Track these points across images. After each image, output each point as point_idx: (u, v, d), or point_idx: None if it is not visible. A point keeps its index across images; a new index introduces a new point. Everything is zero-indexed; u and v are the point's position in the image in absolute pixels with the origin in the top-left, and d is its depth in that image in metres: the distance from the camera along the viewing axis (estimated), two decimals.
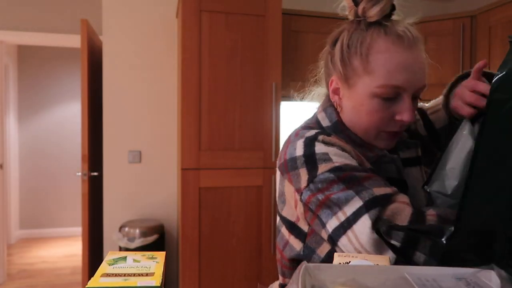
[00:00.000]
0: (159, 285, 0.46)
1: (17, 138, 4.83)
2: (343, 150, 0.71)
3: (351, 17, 0.76)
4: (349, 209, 0.63)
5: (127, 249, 2.45)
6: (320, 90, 0.87)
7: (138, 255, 0.55)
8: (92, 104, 2.75)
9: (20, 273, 3.66)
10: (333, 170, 0.67)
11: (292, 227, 0.76)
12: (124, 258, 0.53)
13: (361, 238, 0.62)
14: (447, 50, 2.80)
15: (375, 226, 0.60)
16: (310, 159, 0.69)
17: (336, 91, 0.78)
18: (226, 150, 2.30)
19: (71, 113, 5.03)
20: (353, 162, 0.69)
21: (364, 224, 0.62)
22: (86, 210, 2.60)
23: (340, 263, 0.55)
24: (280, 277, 0.85)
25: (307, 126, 0.79)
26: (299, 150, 0.71)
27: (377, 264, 0.54)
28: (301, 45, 2.66)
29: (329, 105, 0.80)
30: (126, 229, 2.51)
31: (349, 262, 0.54)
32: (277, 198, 0.81)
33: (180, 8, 2.32)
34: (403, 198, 0.65)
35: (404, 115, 0.70)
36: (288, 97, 2.66)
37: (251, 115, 2.33)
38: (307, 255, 0.74)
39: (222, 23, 2.29)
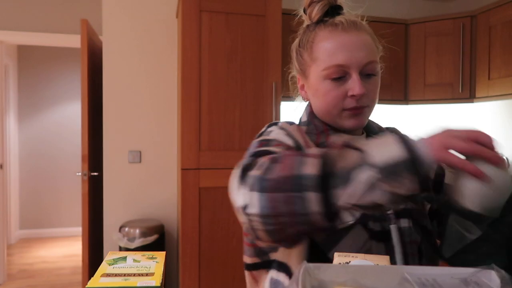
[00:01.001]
0: (159, 285, 0.46)
1: (17, 138, 4.83)
2: (289, 134, 0.80)
3: (304, 27, 0.87)
4: (246, 156, 0.73)
5: (127, 249, 2.45)
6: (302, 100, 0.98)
7: (138, 255, 0.55)
8: (92, 104, 2.75)
9: (20, 273, 3.66)
10: (261, 139, 0.78)
11: None
12: (124, 258, 0.53)
13: (231, 184, 0.66)
14: (447, 50, 2.80)
15: (242, 170, 0.64)
16: (259, 135, 0.82)
17: (302, 87, 0.89)
18: (226, 150, 2.30)
19: (71, 113, 5.03)
20: (290, 142, 0.77)
21: (235, 173, 0.66)
22: (86, 210, 2.60)
23: (340, 263, 0.55)
24: (249, 258, 0.88)
25: (291, 121, 0.90)
26: (260, 131, 0.85)
27: (377, 264, 0.54)
28: None
29: (308, 104, 0.91)
30: (126, 229, 2.51)
31: (349, 262, 0.54)
32: None
33: (180, 8, 2.32)
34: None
35: (355, 89, 0.77)
36: (288, 97, 2.66)
37: (251, 115, 2.33)
38: None
39: (222, 23, 2.29)
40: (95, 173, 2.74)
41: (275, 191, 0.57)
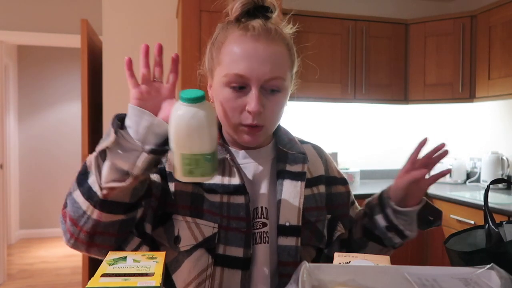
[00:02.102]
0: (159, 285, 0.46)
1: (17, 138, 4.83)
2: None
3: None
4: None
5: None
6: None
7: (138, 255, 0.55)
8: (92, 104, 2.75)
9: (20, 273, 3.66)
10: None
11: None
12: (124, 258, 0.53)
13: None
14: (447, 50, 2.80)
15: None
16: None
17: (210, 87, 0.83)
18: None
19: (71, 113, 5.03)
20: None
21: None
22: None
23: (340, 263, 0.55)
24: None
25: None
26: None
27: (377, 264, 0.54)
28: (301, 45, 2.66)
29: None
30: None
31: (349, 262, 0.54)
32: None
33: (180, 8, 2.32)
34: None
35: (251, 104, 0.71)
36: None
37: None
38: None
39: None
40: None
41: (66, 205, 0.83)
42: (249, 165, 0.81)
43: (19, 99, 4.86)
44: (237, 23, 0.75)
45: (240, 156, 0.81)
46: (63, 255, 4.20)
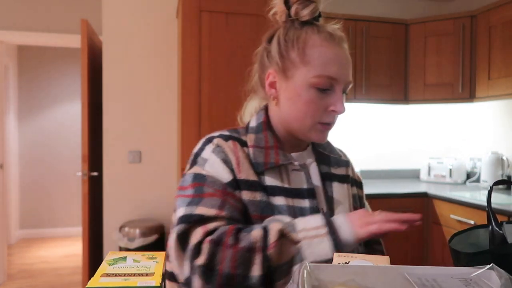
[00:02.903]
0: (159, 285, 0.46)
1: (17, 138, 4.83)
2: (224, 160, 0.77)
3: (283, 19, 0.82)
4: (176, 216, 0.74)
5: (127, 249, 2.45)
6: (253, 103, 0.93)
7: (138, 255, 0.55)
8: (92, 104, 2.75)
9: (20, 273, 3.66)
10: (195, 175, 0.77)
11: None
12: (124, 258, 0.53)
13: (170, 245, 0.73)
14: (447, 50, 2.80)
15: (178, 238, 0.70)
16: (194, 159, 0.80)
17: (272, 85, 0.82)
18: None
19: (71, 113, 5.03)
20: (223, 175, 0.76)
21: (171, 236, 0.73)
22: (86, 210, 2.60)
23: (339, 263, 0.55)
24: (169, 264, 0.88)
25: (232, 129, 0.86)
26: (196, 147, 0.83)
27: (377, 264, 0.54)
28: None
29: (261, 109, 0.87)
30: (126, 229, 2.50)
31: (349, 262, 0.54)
32: None
33: (180, 8, 2.32)
34: (212, 224, 0.70)
35: (337, 105, 0.77)
36: None
37: None
38: None
39: (222, 23, 2.29)
40: (95, 173, 2.74)
41: (221, 284, 0.66)
42: (307, 171, 0.85)
43: (19, 99, 4.85)
44: (312, 26, 0.79)
45: (296, 162, 0.83)
46: (63, 255, 4.20)
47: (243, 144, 0.81)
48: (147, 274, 0.48)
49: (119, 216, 2.75)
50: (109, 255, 0.54)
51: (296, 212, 0.77)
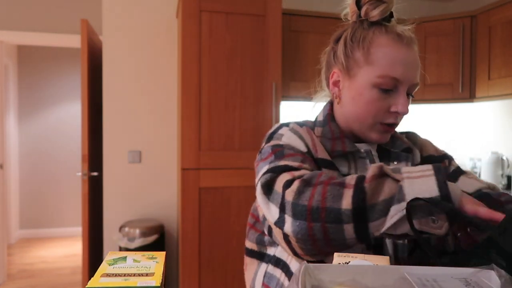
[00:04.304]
0: (159, 285, 0.46)
1: (17, 138, 4.83)
2: (301, 137, 0.78)
3: (354, 19, 0.82)
4: (260, 173, 0.74)
5: (127, 249, 2.45)
6: (322, 99, 0.94)
7: (138, 255, 0.55)
8: (92, 104, 2.75)
9: (20, 273, 3.66)
10: (274, 145, 0.77)
11: None
12: (124, 258, 0.53)
13: (257, 198, 0.72)
14: (447, 50, 2.80)
15: (264, 187, 0.69)
16: (270, 137, 0.81)
17: (336, 83, 0.83)
18: (226, 150, 2.30)
19: (71, 113, 5.03)
20: (300, 146, 0.77)
21: (257, 189, 0.72)
22: (86, 210, 2.60)
23: (339, 263, 0.55)
24: (249, 243, 0.88)
25: (304, 120, 0.87)
26: (271, 130, 0.83)
27: (377, 264, 0.54)
28: (301, 45, 2.66)
29: (327, 104, 0.88)
30: (126, 229, 2.51)
31: (349, 262, 0.54)
32: None
33: (180, 8, 2.32)
34: (299, 172, 0.69)
35: (399, 106, 0.75)
36: (288, 97, 2.66)
37: (251, 115, 2.33)
38: (263, 220, 0.80)
39: (222, 23, 2.29)
40: (95, 173, 2.74)
41: (311, 220, 0.61)
42: (372, 158, 0.85)
43: (19, 99, 4.86)
44: (379, 26, 0.78)
45: (362, 149, 0.84)
46: (63, 255, 4.20)
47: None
48: (147, 274, 0.48)
49: (119, 216, 2.75)
50: (109, 255, 0.54)
51: None
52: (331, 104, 0.86)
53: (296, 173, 0.68)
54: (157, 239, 2.52)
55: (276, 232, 0.67)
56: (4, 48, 3.53)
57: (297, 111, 3.05)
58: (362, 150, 0.82)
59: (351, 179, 0.62)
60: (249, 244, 0.87)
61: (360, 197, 0.59)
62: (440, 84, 2.83)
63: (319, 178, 0.64)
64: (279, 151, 0.75)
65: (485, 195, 0.83)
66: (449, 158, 0.92)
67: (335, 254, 0.58)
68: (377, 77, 0.75)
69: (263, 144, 0.82)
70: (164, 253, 0.57)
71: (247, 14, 2.32)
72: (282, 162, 0.71)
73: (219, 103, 2.29)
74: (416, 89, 0.79)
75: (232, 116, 2.31)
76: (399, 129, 0.96)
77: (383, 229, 0.58)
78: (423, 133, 3.32)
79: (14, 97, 4.72)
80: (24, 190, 4.87)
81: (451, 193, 0.57)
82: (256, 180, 0.75)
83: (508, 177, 2.72)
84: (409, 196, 0.57)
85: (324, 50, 0.89)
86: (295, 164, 0.71)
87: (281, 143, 0.77)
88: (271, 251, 0.81)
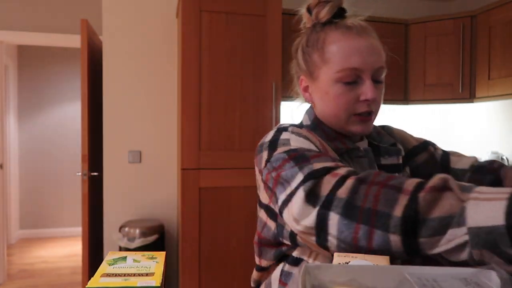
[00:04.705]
0: (159, 285, 0.46)
1: (17, 138, 4.83)
2: (307, 138, 0.75)
3: (309, 25, 0.84)
4: (293, 184, 0.65)
5: (127, 249, 2.45)
6: (301, 104, 0.95)
7: (138, 255, 0.55)
8: (92, 104, 2.75)
9: (20, 273, 3.66)
10: (287, 151, 0.71)
11: (267, 209, 0.80)
12: (124, 258, 0.53)
13: (294, 208, 0.63)
14: (447, 50, 2.80)
15: (308, 197, 0.61)
16: (273, 144, 0.75)
17: (306, 89, 0.86)
18: (226, 150, 2.30)
19: (71, 113, 5.03)
20: (311, 147, 0.72)
21: (298, 196, 0.63)
22: (86, 210, 2.60)
23: (340, 263, 0.55)
24: (257, 258, 0.87)
25: (291, 124, 0.85)
26: (268, 137, 0.78)
27: (377, 264, 0.54)
28: None
29: (310, 107, 0.89)
30: (126, 229, 2.51)
31: (349, 262, 0.54)
32: None
33: (180, 8, 2.32)
34: (341, 170, 0.63)
35: (368, 94, 0.76)
36: (288, 97, 2.66)
37: (251, 115, 2.33)
38: (280, 232, 0.77)
39: (222, 23, 2.29)
40: (95, 173, 2.74)
41: (358, 221, 0.56)
42: (371, 156, 0.84)
43: (19, 99, 4.85)
44: (330, 24, 0.80)
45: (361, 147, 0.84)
46: (63, 255, 4.20)
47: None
48: (147, 274, 0.48)
49: (119, 216, 2.75)
50: (109, 255, 0.54)
51: None
52: (312, 110, 0.87)
53: (341, 172, 0.62)
54: (157, 239, 2.52)
55: (310, 236, 0.62)
56: (4, 48, 3.53)
57: (297, 111, 3.05)
58: (362, 148, 0.82)
59: (410, 184, 0.55)
60: (265, 263, 0.83)
61: (412, 207, 0.52)
62: (440, 84, 2.83)
63: (375, 178, 0.59)
64: (299, 156, 0.68)
65: (480, 167, 0.86)
66: (431, 144, 0.93)
67: (335, 254, 0.58)
68: (336, 73, 0.76)
69: (263, 153, 0.77)
70: (164, 253, 0.57)
71: (247, 14, 2.32)
72: (317, 165, 0.64)
73: (219, 103, 2.29)
74: (384, 74, 0.79)
75: (232, 116, 2.31)
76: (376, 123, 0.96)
77: (438, 250, 0.51)
78: (423, 133, 3.32)
79: (14, 97, 4.72)
80: (24, 190, 4.87)
81: None
82: (282, 196, 0.67)
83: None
84: (470, 221, 0.48)
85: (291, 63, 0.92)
86: (331, 164, 0.64)
87: (293, 147, 0.71)
88: (288, 253, 0.80)
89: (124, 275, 0.48)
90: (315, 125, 0.84)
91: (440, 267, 0.44)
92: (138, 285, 0.46)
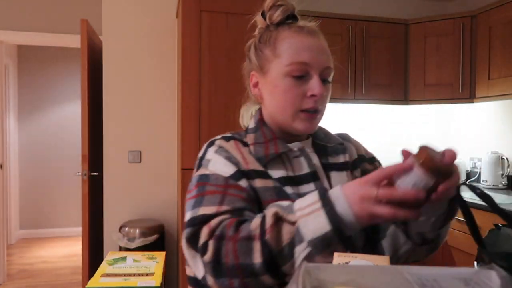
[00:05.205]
0: (159, 285, 0.46)
1: (17, 138, 4.83)
2: (228, 158, 0.79)
3: (263, 27, 0.89)
4: (186, 217, 0.75)
5: (127, 249, 2.45)
6: (250, 108, 0.97)
7: (138, 255, 0.55)
8: (92, 104, 2.75)
9: (20, 273, 3.66)
10: (200, 176, 0.79)
11: None
12: (124, 258, 0.53)
13: (183, 248, 0.74)
14: (447, 50, 2.80)
15: (188, 242, 0.71)
16: (199, 162, 0.83)
17: (256, 85, 0.88)
18: None
19: (71, 113, 5.03)
20: (225, 170, 0.77)
21: (182, 240, 0.74)
22: (86, 210, 2.60)
23: (340, 263, 0.55)
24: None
25: (234, 132, 0.89)
26: (201, 152, 0.86)
27: (377, 264, 0.54)
28: None
29: (256, 111, 0.91)
30: (126, 229, 2.51)
31: (349, 262, 0.54)
32: None
33: (180, 8, 2.32)
34: (216, 220, 0.70)
35: (315, 89, 0.78)
36: None
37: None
38: None
39: (222, 23, 2.29)
40: (95, 173, 2.74)
41: (230, 277, 0.65)
42: (306, 155, 0.86)
43: (19, 99, 4.85)
44: (283, 25, 0.84)
45: (295, 148, 0.85)
46: (63, 255, 4.20)
47: (245, 144, 0.84)
48: (147, 274, 0.48)
49: (119, 216, 2.75)
50: (109, 255, 0.54)
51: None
52: (260, 110, 0.90)
53: (213, 224, 0.70)
54: (157, 239, 2.52)
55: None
56: (4, 48, 3.53)
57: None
58: (295, 149, 0.84)
59: (255, 228, 0.65)
60: (188, 271, 0.86)
61: (265, 250, 0.63)
62: (440, 84, 2.83)
63: (228, 232, 0.67)
64: (202, 186, 0.77)
65: None
66: (378, 161, 0.98)
67: (335, 254, 0.58)
68: (286, 66, 0.79)
69: (194, 170, 0.84)
70: (164, 253, 0.57)
71: (247, 14, 2.31)
72: (201, 211, 0.73)
73: (219, 103, 2.29)
74: (331, 75, 0.83)
75: (232, 116, 2.30)
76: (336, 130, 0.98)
77: (295, 268, 0.62)
78: (424, 133, 3.32)
79: (14, 97, 4.72)
80: (24, 190, 4.87)
81: (342, 218, 0.61)
82: (185, 217, 0.76)
83: (508, 177, 2.72)
84: (307, 236, 0.61)
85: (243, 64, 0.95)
86: (212, 210, 0.72)
87: (207, 172, 0.79)
88: None
89: (124, 275, 0.48)
90: (257, 127, 0.86)
91: (440, 267, 0.44)
92: (138, 285, 0.46)
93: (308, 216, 0.62)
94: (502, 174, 2.70)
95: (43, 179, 4.94)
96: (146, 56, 2.77)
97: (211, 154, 0.82)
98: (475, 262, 0.67)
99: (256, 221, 0.67)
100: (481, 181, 2.81)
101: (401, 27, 2.93)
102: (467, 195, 2.31)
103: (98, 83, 2.87)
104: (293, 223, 0.63)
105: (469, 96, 2.73)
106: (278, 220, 0.65)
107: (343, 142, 0.91)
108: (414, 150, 0.63)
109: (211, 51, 2.27)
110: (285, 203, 0.69)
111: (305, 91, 0.79)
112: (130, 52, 2.75)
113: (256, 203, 0.77)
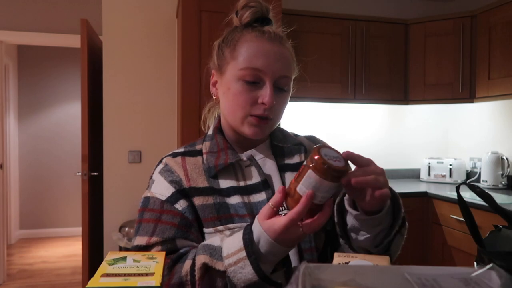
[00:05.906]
0: (159, 285, 0.46)
1: (17, 138, 4.83)
2: (170, 179, 0.81)
3: (231, 27, 0.89)
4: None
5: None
6: (215, 107, 0.99)
7: (138, 255, 0.55)
8: (92, 104, 2.75)
9: (20, 273, 3.66)
10: (144, 199, 0.84)
11: None
12: (124, 258, 0.53)
13: None
14: (447, 50, 2.80)
15: None
16: (149, 180, 0.87)
17: (214, 84, 0.89)
18: None
19: (71, 113, 5.03)
20: (163, 193, 0.81)
21: None
22: (86, 210, 2.60)
23: (340, 263, 0.55)
24: None
25: (191, 142, 0.91)
26: (154, 168, 0.88)
27: (377, 264, 0.54)
28: (301, 45, 2.66)
29: (217, 117, 0.92)
30: (126, 229, 2.50)
31: (349, 262, 0.54)
32: None
33: (180, 8, 2.32)
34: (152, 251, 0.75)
35: (265, 98, 0.77)
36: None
37: None
38: None
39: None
40: (95, 173, 2.74)
41: None
42: (256, 163, 0.85)
43: (19, 99, 4.85)
44: (249, 27, 0.83)
45: (245, 157, 0.85)
46: (63, 255, 4.20)
47: (197, 154, 0.85)
48: (147, 274, 0.48)
49: (119, 216, 2.75)
50: (109, 255, 0.54)
51: (253, 208, 0.79)
52: (219, 117, 0.90)
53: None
54: None
55: None
56: (4, 48, 3.53)
57: (297, 111, 3.05)
58: (244, 158, 0.83)
59: (186, 275, 0.69)
60: None
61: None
62: (440, 84, 2.83)
63: (163, 276, 0.73)
64: (141, 213, 0.83)
65: None
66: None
67: (335, 254, 0.58)
68: (240, 70, 0.78)
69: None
70: (164, 253, 0.57)
71: None
72: (136, 241, 0.79)
73: None
74: (290, 84, 0.82)
75: None
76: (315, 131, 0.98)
77: None
78: (423, 133, 3.32)
79: (14, 97, 4.72)
80: (24, 190, 4.87)
81: (271, 260, 0.66)
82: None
83: (508, 177, 2.72)
84: (238, 285, 0.65)
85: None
86: (144, 240, 0.78)
87: (148, 195, 0.83)
88: None
89: (124, 275, 0.48)
90: (212, 136, 0.87)
91: (440, 267, 0.44)
92: (138, 285, 0.46)
93: (235, 266, 0.65)
94: (502, 174, 2.70)
95: (43, 179, 4.94)
96: (146, 56, 2.77)
97: (156, 174, 0.85)
98: (475, 262, 0.67)
99: (187, 266, 0.70)
100: (481, 181, 2.81)
101: (401, 27, 2.93)
102: (467, 195, 2.31)
103: (98, 83, 2.87)
104: (223, 272, 0.66)
105: (469, 96, 2.73)
106: (207, 270, 0.68)
107: (301, 142, 0.91)
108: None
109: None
110: (215, 242, 0.71)
111: (257, 97, 0.78)
112: (130, 52, 2.75)
113: (196, 222, 0.78)
